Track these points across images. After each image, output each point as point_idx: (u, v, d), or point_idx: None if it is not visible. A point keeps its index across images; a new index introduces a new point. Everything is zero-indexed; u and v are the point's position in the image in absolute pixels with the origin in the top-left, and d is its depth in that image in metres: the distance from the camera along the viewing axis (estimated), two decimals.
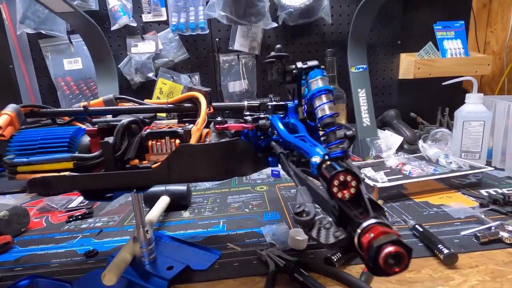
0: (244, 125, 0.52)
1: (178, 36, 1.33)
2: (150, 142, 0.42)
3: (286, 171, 0.45)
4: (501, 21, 1.75)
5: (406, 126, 1.32)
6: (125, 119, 0.42)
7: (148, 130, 0.43)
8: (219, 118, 0.51)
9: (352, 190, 0.27)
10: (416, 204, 0.78)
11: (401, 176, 0.87)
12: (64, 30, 1.27)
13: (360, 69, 1.32)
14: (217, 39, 1.31)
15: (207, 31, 1.30)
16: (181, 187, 0.85)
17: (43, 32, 1.24)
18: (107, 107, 0.46)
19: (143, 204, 0.87)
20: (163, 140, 0.42)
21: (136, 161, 0.41)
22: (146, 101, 0.50)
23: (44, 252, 0.66)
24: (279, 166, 0.54)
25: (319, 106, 0.46)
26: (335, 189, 0.27)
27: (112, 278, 0.48)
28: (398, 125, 1.33)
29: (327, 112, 0.45)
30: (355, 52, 1.32)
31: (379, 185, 0.80)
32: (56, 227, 0.79)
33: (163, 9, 1.31)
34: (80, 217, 0.84)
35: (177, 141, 0.42)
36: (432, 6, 1.43)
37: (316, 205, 0.32)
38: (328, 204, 0.30)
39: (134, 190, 0.43)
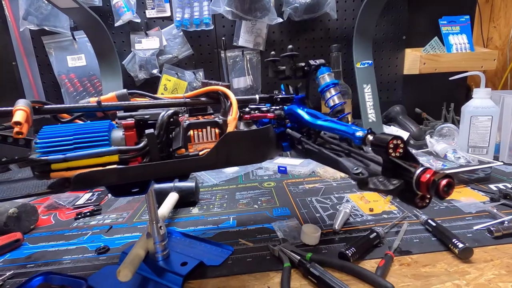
0: (268, 114, 0.53)
1: (182, 32, 1.32)
2: (192, 132, 0.43)
3: (304, 152, 0.52)
4: (504, 16, 1.74)
5: (411, 121, 1.31)
6: (165, 111, 0.42)
7: (189, 121, 0.44)
8: (247, 109, 0.52)
9: (401, 150, 0.35)
10: None
11: None
12: (67, 27, 1.26)
13: (366, 65, 1.32)
14: (223, 38, 1.30)
15: (212, 27, 1.29)
16: (190, 184, 0.85)
17: (46, 28, 1.23)
18: (121, 102, 0.46)
19: None
20: (204, 130, 0.44)
21: (183, 150, 0.42)
22: (162, 95, 0.50)
23: (55, 249, 0.66)
24: (283, 157, 0.55)
25: (330, 97, 0.58)
26: (390, 150, 0.35)
27: (128, 274, 0.48)
28: (403, 120, 1.32)
29: (337, 101, 0.57)
30: (361, 47, 1.31)
31: None
32: (65, 224, 0.79)
33: (167, 5, 1.30)
34: (88, 214, 0.83)
35: (217, 130, 0.44)
36: (437, 1, 1.43)
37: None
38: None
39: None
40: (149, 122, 0.42)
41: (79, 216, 0.82)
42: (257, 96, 0.62)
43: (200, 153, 0.42)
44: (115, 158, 0.38)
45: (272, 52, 0.66)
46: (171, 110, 0.42)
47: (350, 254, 0.52)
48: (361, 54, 1.31)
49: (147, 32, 1.30)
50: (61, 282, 0.53)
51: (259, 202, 0.84)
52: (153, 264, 0.54)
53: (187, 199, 0.84)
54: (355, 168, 0.38)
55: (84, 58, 1.30)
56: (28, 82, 1.32)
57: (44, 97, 1.35)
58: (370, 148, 0.39)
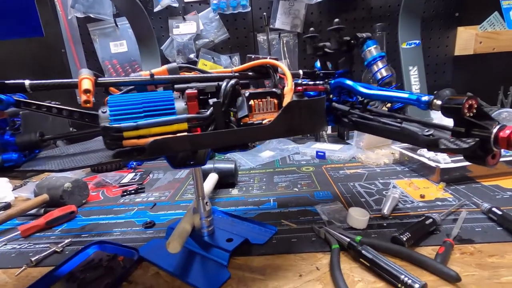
0: (320, 87, 0.51)
1: (218, 16, 1.31)
2: (253, 102, 0.43)
3: (351, 125, 0.52)
4: None
5: None
6: (227, 81, 0.42)
7: (249, 91, 0.44)
8: (299, 81, 0.51)
9: (475, 110, 0.35)
10: (485, 188, 0.71)
11: None
12: (110, 14, 1.30)
13: (412, 45, 1.22)
14: (264, 13, 1.26)
15: (249, 9, 1.27)
16: (229, 165, 0.85)
17: (91, 16, 1.29)
18: (172, 76, 0.46)
19: (193, 181, 0.89)
20: (264, 100, 0.44)
21: (247, 119, 0.42)
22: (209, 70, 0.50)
23: (105, 222, 0.70)
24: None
25: (378, 70, 0.57)
26: (465, 110, 0.35)
27: (177, 246, 0.49)
28: None
29: (385, 74, 0.56)
30: (407, 26, 1.22)
31: (441, 166, 0.74)
32: (113, 200, 0.83)
33: None
34: (133, 192, 0.87)
35: (275, 100, 0.43)
36: None
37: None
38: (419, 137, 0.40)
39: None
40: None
41: (125, 193, 0.86)
42: (300, 71, 0.60)
43: (264, 122, 0.42)
44: (184, 126, 0.38)
45: (311, 29, 0.64)
46: (233, 80, 0.41)
47: (405, 239, 0.49)
48: (408, 33, 1.22)
49: (184, 16, 1.31)
50: (114, 251, 0.55)
51: (299, 186, 0.82)
52: (199, 239, 0.54)
53: (227, 180, 0.84)
54: (426, 130, 0.38)
55: (125, 44, 1.35)
56: (75, 69, 1.39)
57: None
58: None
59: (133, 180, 0.97)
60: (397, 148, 0.93)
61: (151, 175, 1.01)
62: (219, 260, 0.50)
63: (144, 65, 1.31)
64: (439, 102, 0.37)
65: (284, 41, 1.34)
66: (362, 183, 0.80)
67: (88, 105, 0.36)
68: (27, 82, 0.40)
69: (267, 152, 1.15)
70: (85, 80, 0.38)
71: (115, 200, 0.83)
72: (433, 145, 0.37)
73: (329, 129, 1.35)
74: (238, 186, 0.86)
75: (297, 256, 0.51)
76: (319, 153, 1.05)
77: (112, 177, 1.00)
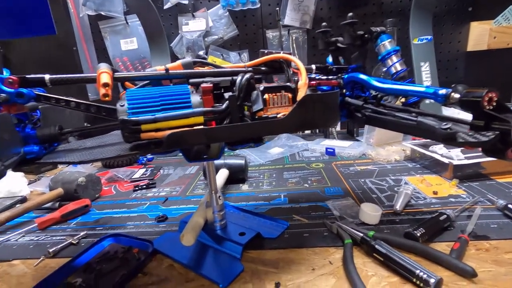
0: (333, 81, 0.51)
1: (228, 12, 1.31)
2: (267, 96, 0.43)
3: (364, 120, 0.52)
4: None
5: None
6: (242, 75, 0.42)
7: (264, 85, 0.44)
8: (312, 75, 0.51)
9: (495, 103, 0.35)
10: (499, 185, 0.70)
11: (480, 154, 0.78)
12: (121, 11, 1.31)
13: (424, 41, 1.20)
14: (277, 8, 1.25)
15: (258, 5, 1.27)
16: (239, 161, 0.85)
17: (102, 13, 1.30)
18: (187, 70, 0.46)
19: (203, 177, 0.90)
20: (279, 94, 0.43)
21: (262, 113, 0.42)
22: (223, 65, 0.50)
23: (119, 215, 0.71)
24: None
25: (392, 65, 0.57)
26: (485, 103, 0.35)
27: (190, 239, 0.50)
28: None
29: (399, 68, 0.57)
30: (419, 21, 1.20)
31: (454, 162, 0.73)
32: (125, 194, 0.85)
33: None
34: (145, 187, 0.88)
35: (290, 94, 0.43)
36: None
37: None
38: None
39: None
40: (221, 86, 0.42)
41: (137, 188, 0.88)
42: (313, 66, 0.60)
43: (279, 116, 0.42)
44: (201, 119, 0.38)
45: (324, 23, 0.63)
46: (248, 74, 0.42)
47: (419, 234, 0.48)
48: (419, 28, 1.20)
49: (194, 13, 1.32)
50: (128, 243, 0.56)
51: (309, 182, 0.82)
52: (212, 233, 0.55)
53: (237, 176, 0.85)
54: (444, 124, 0.38)
55: (135, 42, 1.36)
56: (87, 66, 1.41)
57: None
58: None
59: (144, 176, 0.98)
60: (408, 145, 0.92)
61: (161, 171, 1.03)
62: (232, 253, 0.50)
63: (154, 62, 1.32)
64: (457, 96, 0.37)
65: (293, 38, 1.33)
66: (373, 180, 0.79)
67: (107, 98, 0.37)
68: (47, 76, 0.41)
69: (276, 148, 1.15)
70: (104, 74, 0.38)
71: (127, 194, 0.84)
72: (451, 139, 0.36)
73: (338, 126, 1.35)
74: (248, 181, 0.86)
75: (310, 250, 0.51)
76: (328, 150, 1.05)
77: (124, 172, 1.01)
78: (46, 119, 0.46)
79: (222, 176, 0.78)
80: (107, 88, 0.37)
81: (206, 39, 1.34)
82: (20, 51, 1.42)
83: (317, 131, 1.35)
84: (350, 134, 1.28)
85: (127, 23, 1.34)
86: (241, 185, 0.84)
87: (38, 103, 0.43)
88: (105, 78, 0.38)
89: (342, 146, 1.06)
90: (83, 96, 1.39)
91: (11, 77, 0.39)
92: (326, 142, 1.13)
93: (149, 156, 1.19)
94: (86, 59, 1.41)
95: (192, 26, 1.31)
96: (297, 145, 1.17)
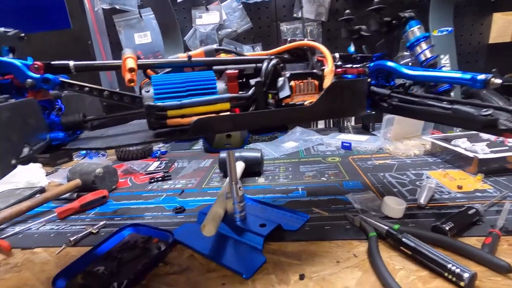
0: (359, 69, 0.49)
1: (241, 5, 1.30)
2: (293, 83, 0.42)
3: (391, 109, 0.49)
4: None
5: (499, 96, 1.14)
6: (268, 62, 0.41)
7: (290, 72, 0.42)
8: (339, 63, 0.49)
9: None
10: None
11: (506, 148, 0.76)
12: (135, 5, 1.31)
13: (444, 32, 1.16)
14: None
15: None
16: (256, 154, 0.84)
17: (117, 7, 1.31)
18: (209, 58, 0.46)
19: (218, 170, 0.89)
20: (305, 81, 0.42)
21: (288, 100, 0.41)
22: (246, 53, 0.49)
23: (136, 206, 0.71)
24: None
25: (421, 52, 0.53)
26: None
27: (212, 229, 0.49)
28: (488, 95, 1.15)
29: (429, 55, 0.52)
30: (439, 12, 1.16)
31: (480, 156, 0.70)
32: (141, 186, 0.85)
33: None
34: (160, 179, 0.88)
35: (316, 81, 0.42)
36: None
37: None
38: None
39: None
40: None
41: (152, 180, 0.88)
42: (337, 54, 0.58)
43: (306, 103, 0.41)
44: (227, 106, 0.37)
45: (347, 11, 0.61)
46: (274, 60, 0.40)
47: (447, 228, 0.47)
48: (439, 20, 1.16)
49: (207, 6, 1.31)
50: (148, 233, 0.56)
51: (326, 175, 0.81)
52: (232, 224, 0.54)
53: (253, 169, 0.84)
54: (484, 110, 0.36)
55: (149, 35, 1.36)
56: (101, 60, 1.42)
57: (115, 75, 1.45)
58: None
59: (158, 168, 0.98)
60: (429, 139, 0.89)
61: (176, 164, 1.03)
62: (254, 244, 0.49)
63: (167, 56, 1.31)
64: (498, 81, 0.35)
65: (308, 31, 1.31)
66: (393, 174, 0.77)
67: (132, 84, 0.36)
68: (71, 63, 0.41)
69: (290, 142, 1.14)
70: (129, 59, 0.38)
71: (143, 186, 0.85)
72: (492, 126, 0.34)
73: (352, 121, 1.32)
74: (264, 175, 0.85)
75: (332, 243, 0.50)
76: (344, 144, 1.03)
77: (139, 165, 1.02)
78: (69, 107, 0.46)
79: (238, 168, 0.78)
80: (133, 73, 0.36)
81: (219, 32, 1.34)
82: (36, 45, 1.44)
83: (332, 125, 1.33)
84: (365, 129, 1.26)
85: (141, 16, 1.34)
86: (257, 178, 0.83)
87: (62, 90, 0.43)
88: (131, 63, 0.37)
89: (359, 140, 1.04)
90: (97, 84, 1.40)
91: (37, 62, 0.39)
92: (342, 136, 1.11)
93: (162, 149, 1.19)
94: (100, 52, 1.42)
95: (206, 19, 1.31)
96: (312, 140, 1.15)
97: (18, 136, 0.31)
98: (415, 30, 0.51)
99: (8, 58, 0.37)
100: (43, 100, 0.41)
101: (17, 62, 0.37)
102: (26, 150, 0.31)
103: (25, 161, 0.31)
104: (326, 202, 0.64)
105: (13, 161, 0.29)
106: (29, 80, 0.37)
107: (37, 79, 0.38)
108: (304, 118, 0.42)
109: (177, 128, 0.37)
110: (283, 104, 0.41)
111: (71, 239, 0.56)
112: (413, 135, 1.03)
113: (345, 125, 1.25)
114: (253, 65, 0.43)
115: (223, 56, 0.49)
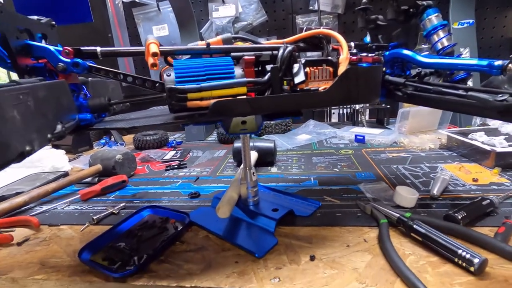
0: (375, 57, 0.49)
1: None
2: (308, 69, 0.43)
3: (406, 98, 0.49)
4: None
5: None
6: (285, 48, 0.42)
7: (305, 59, 0.43)
8: (354, 50, 0.50)
9: None
10: None
11: None
12: None
13: (465, 25, 1.13)
14: None
15: None
16: (269, 144, 0.86)
17: (136, 0, 1.34)
18: (227, 45, 0.47)
19: (232, 159, 0.91)
20: (320, 68, 0.43)
21: (303, 86, 0.42)
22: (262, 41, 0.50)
23: (154, 191, 0.74)
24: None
25: (438, 40, 0.52)
26: None
27: (226, 212, 0.51)
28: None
29: (446, 44, 0.51)
30: (460, 4, 1.13)
31: (498, 149, 0.69)
32: (157, 173, 0.88)
33: None
34: (176, 166, 0.91)
35: (331, 68, 0.43)
36: None
37: None
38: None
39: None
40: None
41: (169, 168, 0.91)
42: (352, 43, 0.59)
43: (321, 89, 0.42)
44: (244, 90, 0.39)
45: (364, 0, 0.61)
46: (290, 46, 0.42)
47: (460, 217, 0.47)
48: (460, 11, 1.13)
49: (224, 0, 1.32)
50: (166, 214, 0.59)
51: (339, 166, 0.81)
52: (246, 208, 0.56)
53: (266, 159, 0.86)
54: (500, 96, 0.36)
55: (167, 28, 1.39)
56: None
57: (133, 67, 1.50)
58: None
59: (174, 157, 1.01)
60: (445, 132, 0.88)
61: (190, 153, 1.06)
62: (266, 227, 0.51)
63: None
64: None
65: (324, 24, 1.30)
66: (407, 166, 0.77)
67: (155, 68, 0.39)
68: (98, 49, 0.43)
69: (303, 135, 1.15)
70: (153, 44, 0.40)
71: (160, 173, 0.88)
72: (508, 111, 0.34)
73: (367, 115, 1.31)
74: (277, 165, 0.87)
75: (343, 229, 0.51)
76: (358, 137, 1.03)
77: (155, 153, 1.05)
78: (95, 92, 0.49)
79: (252, 158, 0.79)
80: (155, 57, 0.38)
81: (235, 25, 1.35)
82: (64, 39, 1.50)
83: (346, 119, 1.33)
84: (379, 123, 1.25)
85: (159, 9, 1.37)
86: (270, 168, 0.85)
87: (88, 75, 0.45)
88: (154, 48, 0.39)
89: (372, 133, 1.03)
90: None
91: (68, 48, 0.41)
92: (355, 129, 1.11)
93: (178, 140, 1.23)
94: (120, 45, 1.46)
95: (222, 12, 1.32)
96: (325, 132, 1.16)
97: (53, 113, 0.34)
98: (433, 18, 0.51)
99: (43, 44, 0.40)
100: (72, 84, 0.44)
101: (51, 47, 0.40)
102: (59, 127, 0.34)
103: (58, 137, 0.34)
104: (338, 191, 0.65)
105: (49, 135, 0.32)
106: (60, 64, 0.40)
107: (68, 63, 0.41)
108: (318, 103, 0.43)
109: (197, 111, 0.39)
110: (298, 89, 0.42)
111: (94, 217, 0.60)
112: (428, 129, 1.02)
113: (359, 119, 1.24)
114: (269, 52, 0.45)
115: (240, 44, 0.51)
